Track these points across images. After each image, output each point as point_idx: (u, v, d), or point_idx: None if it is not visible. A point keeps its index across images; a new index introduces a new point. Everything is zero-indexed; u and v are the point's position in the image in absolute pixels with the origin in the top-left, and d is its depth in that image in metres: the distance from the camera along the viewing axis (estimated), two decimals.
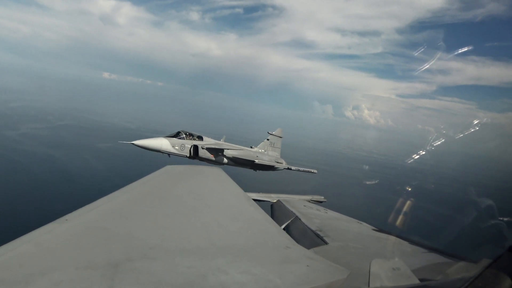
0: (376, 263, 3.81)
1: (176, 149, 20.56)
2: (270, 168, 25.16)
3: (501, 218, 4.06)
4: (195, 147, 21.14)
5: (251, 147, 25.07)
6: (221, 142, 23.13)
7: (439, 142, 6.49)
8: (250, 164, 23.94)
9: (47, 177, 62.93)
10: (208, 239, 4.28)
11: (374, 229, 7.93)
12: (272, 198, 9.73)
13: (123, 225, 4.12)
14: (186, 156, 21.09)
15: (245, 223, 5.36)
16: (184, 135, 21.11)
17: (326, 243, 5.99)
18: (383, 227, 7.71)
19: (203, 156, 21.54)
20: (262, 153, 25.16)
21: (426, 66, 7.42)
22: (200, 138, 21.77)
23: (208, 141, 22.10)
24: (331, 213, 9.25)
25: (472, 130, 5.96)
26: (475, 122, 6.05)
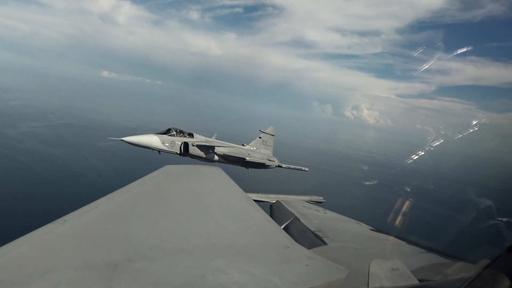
0: (375, 263, 3.82)
1: (166, 146, 20.58)
2: (262, 166, 25.19)
3: (500, 219, 4.07)
4: (186, 144, 21.17)
5: (243, 145, 25.14)
6: (212, 139, 23.15)
7: (438, 143, 6.50)
8: (241, 161, 24.00)
9: (48, 176, 62.89)
10: (207, 239, 4.28)
11: (371, 229, 7.93)
12: (272, 198, 9.72)
13: (122, 226, 4.12)
14: (177, 153, 21.11)
15: (244, 223, 5.35)
16: (174, 132, 21.14)
17: (325, 243, 5.99)
18: (382, 227, 7.72)
19: (194, 153, 21.58)
20: (254, 151, 25.23)
21: (426, 66, 7.44)
22: (190, 135, 21.80)
23: (199, 138, 22.14)
24: (330, 214, 9.25)
25: (471, 130, 5.97)
26: (474, 122, 6.06)
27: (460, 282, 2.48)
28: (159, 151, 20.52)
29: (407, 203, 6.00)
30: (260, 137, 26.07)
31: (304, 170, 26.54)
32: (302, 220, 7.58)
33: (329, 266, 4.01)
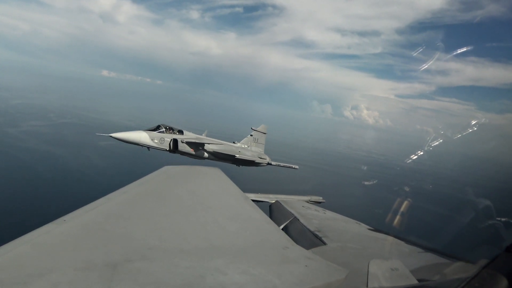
0: (374, 264, 3.83)
1: (155, 142, 20.55)
2: (252, 163, 25.23)
3: (499, 219, 4.08)
4: (175, 141, 21.16)
5: (234, 142, 25.19)
6: (202, 136, 23.15)
7: (437, 143, 6.51)
8: (231, 159, 24.05)
9: (49, 175, 62.95)
10: (206, 239, 4.28)
11: (370, 229, 7.93)
12: (271, 198, 9.71)
13: (122, 226, 4.12)
14: (166, 150, 21.10)
15: (243, 223, 5.36)
16: (164, 129, 21.13)
17: (324, 243, 5.99)
18: (382, 227, 7.71)
19: (183, 150, 21.60)
20: (245, 149, 25.29)
21: (425, 66, 7.45)
22: (180, 132, 21.80)
23: (189, 135, 22.14)
24: (330, 214, 9.24)
25: (470, 130, 5.98)
26: (473, 122, 6.06)
27: (459, 282, 2.49)
28: (148, 147, 20.50)
29: (406, 203, 6.00)
30: (251, 135, 26.16)
31: (294, 168, 26.64)
32: (301, 220, 7.57)
33: (328, 267, 4.02)
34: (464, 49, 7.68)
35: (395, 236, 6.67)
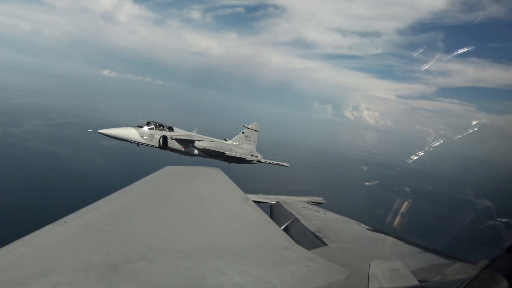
0: (375, 264, 3.83)
1: (144, 139, 20.56)
2: (243, 160, 25.26)
3: (499, 219, 4.08)
4: (164, 138, 21.19)
5: (225, 140, 25.22)
6: (193, 133, 23.18)
7: (437, 143, 6.51)
8: (221, 156, 24.07)
9: (52, 174, 63.19)
10: (207, 240, 4.28)
11: (368, 229, 7.93)
12: (271, 199, 9.70)
13: (122, 227, 4.12)
14: (155, 147, 21.13)
15: (244, 224, 5.36)
16: (153, 126, 21.14)
17: (325, 244, 5.99)
18: (382, 228, 7.72)
19: (173, 147, 21.64)
20: (236, 146, 25.32)
21: (426, 66, 7.46)
22: (170, 129, 21.83)
23: (179, 132, 22.16)
24: (330, 214, 9.24)
25: (471, 131, 5.98)
26: (474, 123, 6.07)
27: (459, 282, 2.49)
28: (138, 144, 20.52)
29: (406, 203, 6.00)
30: (243, 132, 26.20)
31: (285, 166, 26.65)
32: (302, 221, 7.57)
33: (329, 267, 4.02)
34: (465, 50, 7.69)
35: (396, 237, 6.67)
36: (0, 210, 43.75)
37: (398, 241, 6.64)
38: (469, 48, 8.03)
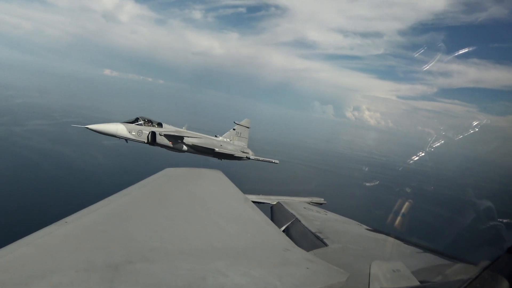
0: (376, 265, 3.82)
1: (133, 134, 20.61)
2: (234, 157, 25.28)
3: (500, 220, 4.08)
4: (153, 134, 21.27)
5: (215, 136, 25.23)
6: (182, 130, 23.22)
7: (438, 144, 6.51)
8: (211, 152, 24.11)
9: (55, 173, 63.31)
10: (207, 241, 4.28)
11: (369, 229, 7.93)
12: (272, 200, 9.70)
13: (123, 228, 4.13)
14: (144, 142, 21.20)
15: (244, 225, 5.37)
16: (142, 122, 21.25)
17: (326, 245, 5.99)
18: (383, 229, 7.71)
19: (161, 143, 21.72)
20: (227, 143, 25.40)
21: (427, 67, 7.46)
22: (159, 125, 21.92)
23: (168, 128, 22.26)
24: (331, 215, 9.24)
25: (472, 132, 5.98)
26: (475, 124, 6.06)
27: (460, 283, 2.49)
28: (126, 139, 20.55)
29: (407, 204, 6.00)
30: (234, 129, 26.21)
31: (274, 163, 26.67)
32: (302, 221, 7.58)
33: (330, 269, 4.01)
34: (466, 50, 7.69)
35: (397, 237, 6.66)
36: (3, 208, 43.84)
37: (399, 242, 6.64)
38: (470, 49, 8.03)
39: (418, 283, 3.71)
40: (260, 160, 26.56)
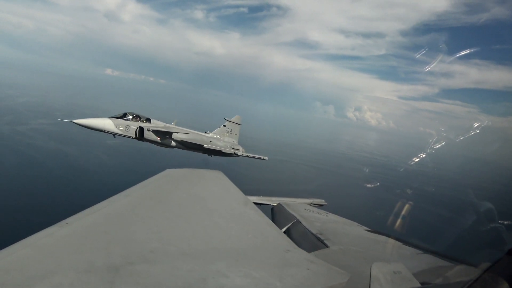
0: (376, 267, 3.82)
1: (120, 129, 20.54)
2: (224, 153, 25.33)
3: (501, 222, 4.07)
4: (141, 129, 21.26)
5: (205, 132, 25.25)
6: (171, 125, 23.26)
7: (439, 145, 6.50)
8: (200, 148, 24.14)
9: (58, 172, 63.46)
10: (208, 242, 4.28)
11: (370, 231, 7.91)
12: (273, 201, 9.68)
13: (124, 229, 4.13)
14: (132, 137, 21.22)
15: (245, 226, 5.36)
16: (130, 117, 21.24)
17: (327, 246, 5.98)
18: (384, 230, 7.70)
19: (149, 138, 21.71)
20: (217, 139, 25.42)
21: (428, 68, 7.45)
22: (148, 120, 21.97)
23: (157, 124, 22.28)
24: (332, 216, 9.22)
25: (473, 133, 5.97)
26: (476, 125, 6.05)
27: (461, 285, 2.49)
28: (114, 134, 20.60)
29: (407, 205, 5.99)
30: (224, 125, 26.23)
31: (263, 159, 26.64)
32: (303, 223, 7.56)
33: (330, 270, 4.01)
34: (468, 51, 7.68)
35: (397, 239, 6.65)
36: (6, 207, 43.95)
37: (400, 243, 6.62)
38: (472, 50, 8.03)
39: (419, 285, 3.71)
40: (249, 157, 26.53)
